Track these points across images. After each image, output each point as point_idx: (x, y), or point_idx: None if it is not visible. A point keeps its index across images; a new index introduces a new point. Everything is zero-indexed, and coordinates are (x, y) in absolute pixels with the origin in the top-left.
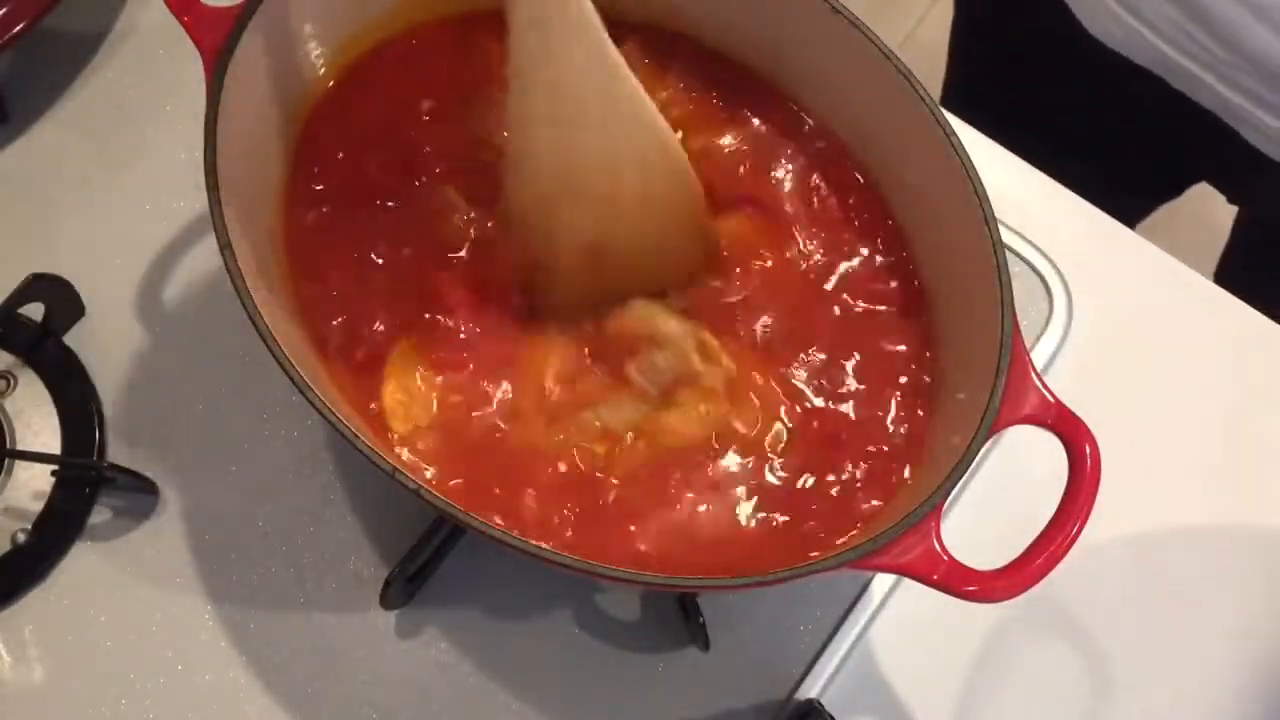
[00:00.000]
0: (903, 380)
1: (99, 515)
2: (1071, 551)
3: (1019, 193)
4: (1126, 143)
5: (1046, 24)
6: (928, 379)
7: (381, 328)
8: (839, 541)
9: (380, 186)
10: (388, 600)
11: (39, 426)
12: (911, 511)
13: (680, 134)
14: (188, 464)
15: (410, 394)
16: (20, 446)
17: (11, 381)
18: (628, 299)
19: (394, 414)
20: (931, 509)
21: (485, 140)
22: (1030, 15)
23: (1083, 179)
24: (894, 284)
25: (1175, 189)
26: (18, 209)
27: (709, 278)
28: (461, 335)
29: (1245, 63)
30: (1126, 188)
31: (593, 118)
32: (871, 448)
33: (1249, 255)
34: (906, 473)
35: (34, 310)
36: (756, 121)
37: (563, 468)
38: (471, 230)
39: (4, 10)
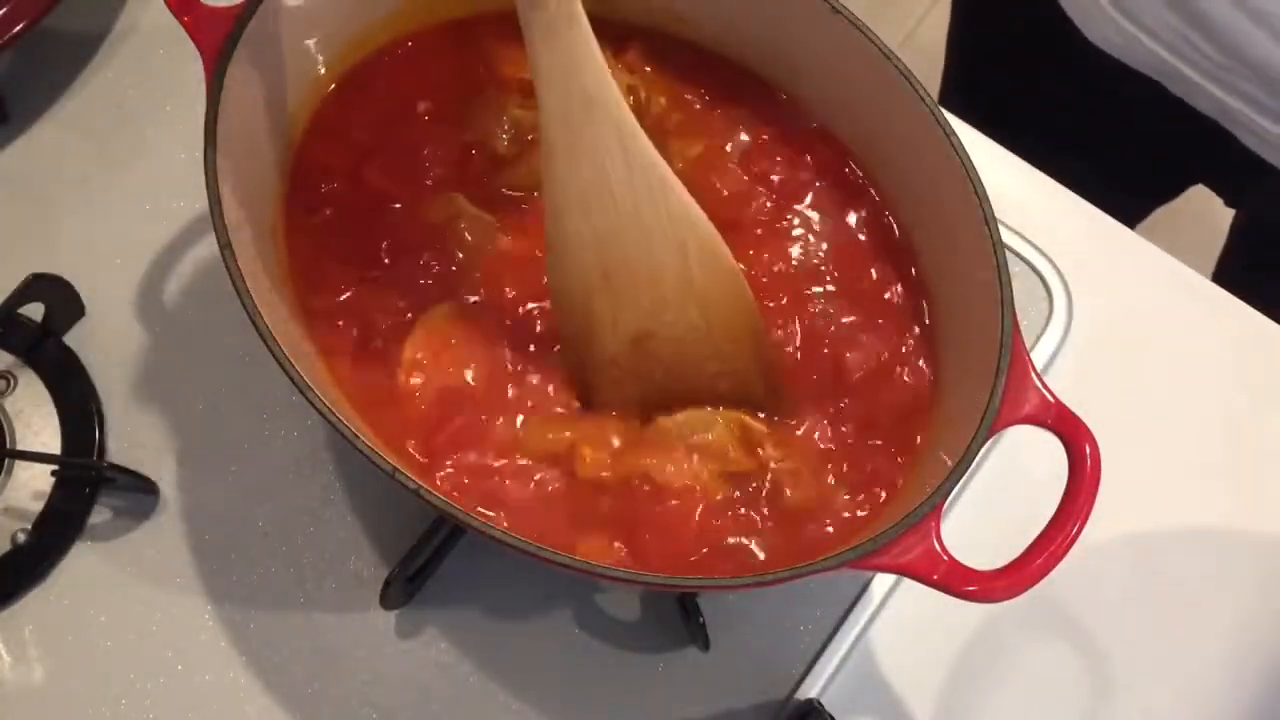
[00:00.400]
0: (903, 380)
1: (99, 515)
2: (1071, 551)
3: (1019, 193)
4: (1124, 144)
5: (1042, 27)
6: (928, 379)
7: (383, 327)
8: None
9: (380, 187)
10: (388, 600)
11: (39, 426)
12: (911, 511)
13: (680, 140)
14: (188, 464)
15: (428, 357)
16: (20, 446)
17: (11, 381)
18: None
19: (407, 367)
20: (931, 509)
21: (485, 142)
22: (1026, 15)
23: (1082, 179)
24: (894, 284)
25: (1174, 190)
26: (18, 209)
27: (772, 411)
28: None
29: (1244, 68)
30: (1126, 188)
31: (625, 207)
32: (871, 446)
33: (1248, 256)
34: (906, 473)
35: (34, 310)
36: (756, 123)
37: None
38: (476, 235)
39: (4, 10)
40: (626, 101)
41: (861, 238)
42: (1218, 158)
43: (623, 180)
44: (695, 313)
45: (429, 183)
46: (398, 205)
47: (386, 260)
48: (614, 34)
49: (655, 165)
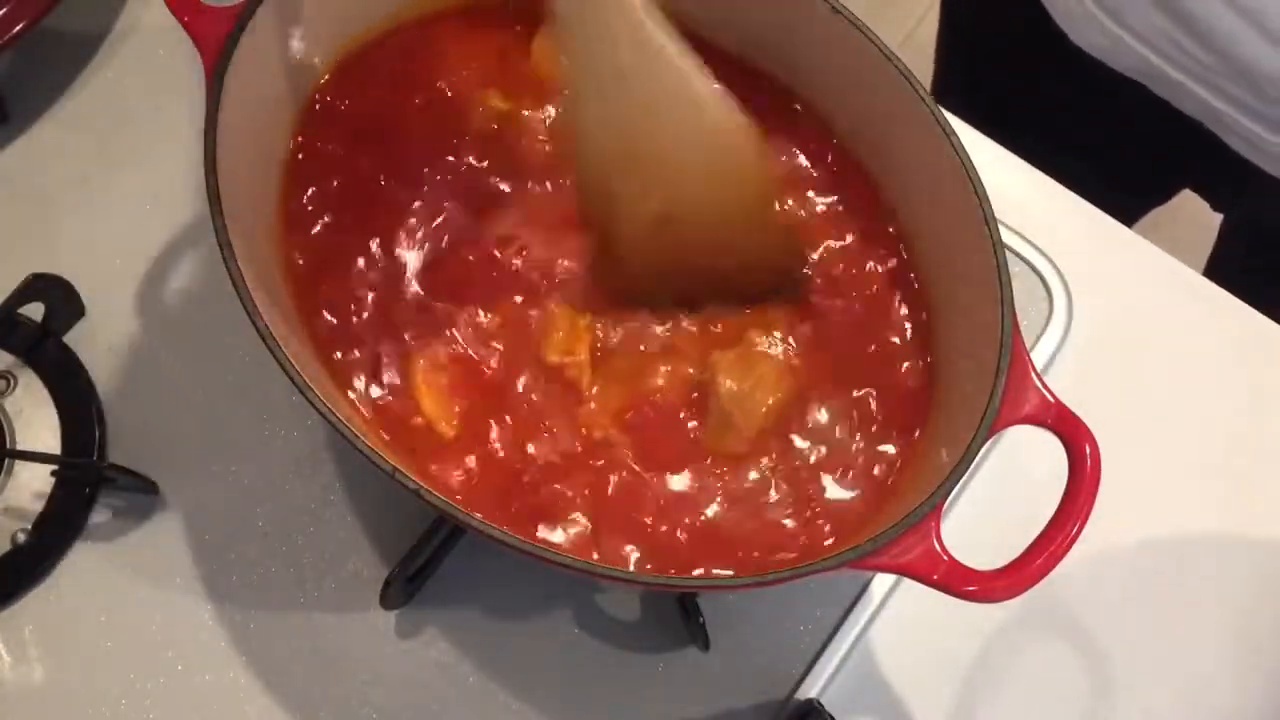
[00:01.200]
0: (902, 380)
1: (99, 515)
2: (1071, 551)
3: (1019, 193)
4: (1122, 145)
5: (1038, 28)
6: (928, 378)
7: (382, 325)
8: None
9: (380, 182)
10: (388, 600)
11: (39, 426)
12: (911, 511)
13: None
14: (188, 464)
15: (442, 398)
16: (20, 446)
17: (11, 381)
18: (708, 300)
19: (438, 420)
20: (931, 509)
21: (485, 135)
22: (1022, 15)
23: (1082, 179)
24: (894, 284)
25: (1173, 190)
26: (18, 209)
27: (798, 277)
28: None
29: (1232, 70)
30: (1125, 188)
31: (637, 91)
32: (871, 445)
33: (1244, 259)
34: (906, 472)
35: (34, 310)
36: (754, 121)
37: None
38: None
39: (4, 10)
40: None
41: (859, 237)
42: (1207, 161)
43: (633, 65)
44: (720, 197)
45: (428, 173)
46: (398, 200)
47: (389, 256)
48: None
49: (664, 49)
